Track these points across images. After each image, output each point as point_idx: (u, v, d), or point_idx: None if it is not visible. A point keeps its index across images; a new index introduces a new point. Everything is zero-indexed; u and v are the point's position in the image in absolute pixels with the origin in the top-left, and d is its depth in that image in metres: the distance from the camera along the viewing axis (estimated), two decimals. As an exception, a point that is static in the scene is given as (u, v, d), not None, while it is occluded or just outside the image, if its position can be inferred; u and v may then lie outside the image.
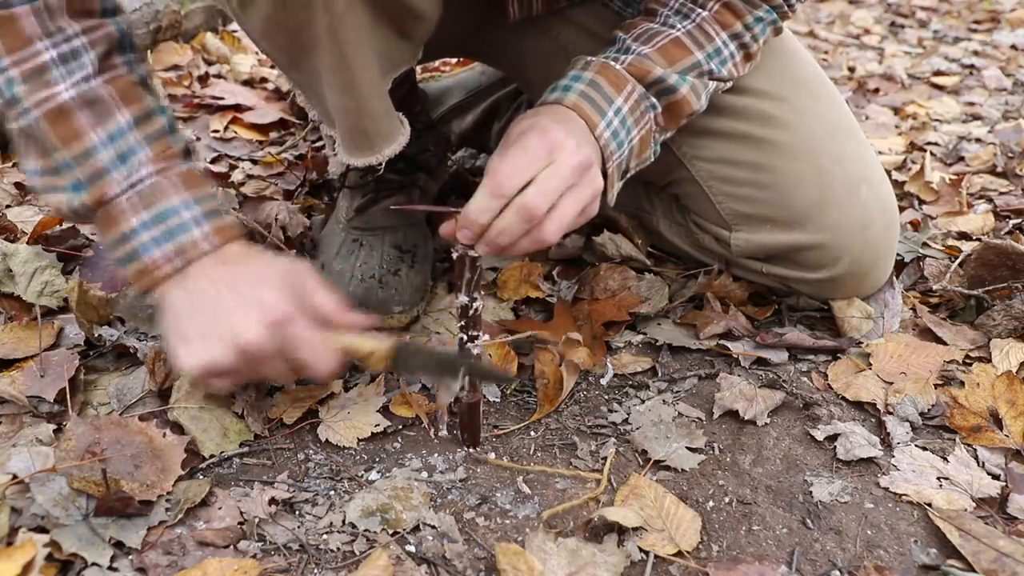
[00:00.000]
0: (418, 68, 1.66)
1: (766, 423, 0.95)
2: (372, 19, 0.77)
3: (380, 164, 0.87)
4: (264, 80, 2.03)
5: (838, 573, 0.77)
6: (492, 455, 0.90)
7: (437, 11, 0.83)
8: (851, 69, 2.59)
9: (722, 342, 1.07)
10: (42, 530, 0.74)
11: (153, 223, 0.78)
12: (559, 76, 0.93)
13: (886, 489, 0.86)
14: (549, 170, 0.79)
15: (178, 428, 0.88)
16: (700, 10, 0.96)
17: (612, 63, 0.91)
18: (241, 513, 0.79)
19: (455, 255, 0.80)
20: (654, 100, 0.92)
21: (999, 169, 1.70)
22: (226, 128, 1.73)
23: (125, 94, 0.79)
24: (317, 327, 0.79)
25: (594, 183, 0.83)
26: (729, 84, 1.00)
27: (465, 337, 0.84)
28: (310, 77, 0.82)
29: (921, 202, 1.56)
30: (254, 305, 0.76)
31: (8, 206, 1.33)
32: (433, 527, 0.79)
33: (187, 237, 0.78)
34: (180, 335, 0.78)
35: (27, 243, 1.15)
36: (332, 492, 0.83)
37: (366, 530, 0.78)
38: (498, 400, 0.98)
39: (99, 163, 0.77)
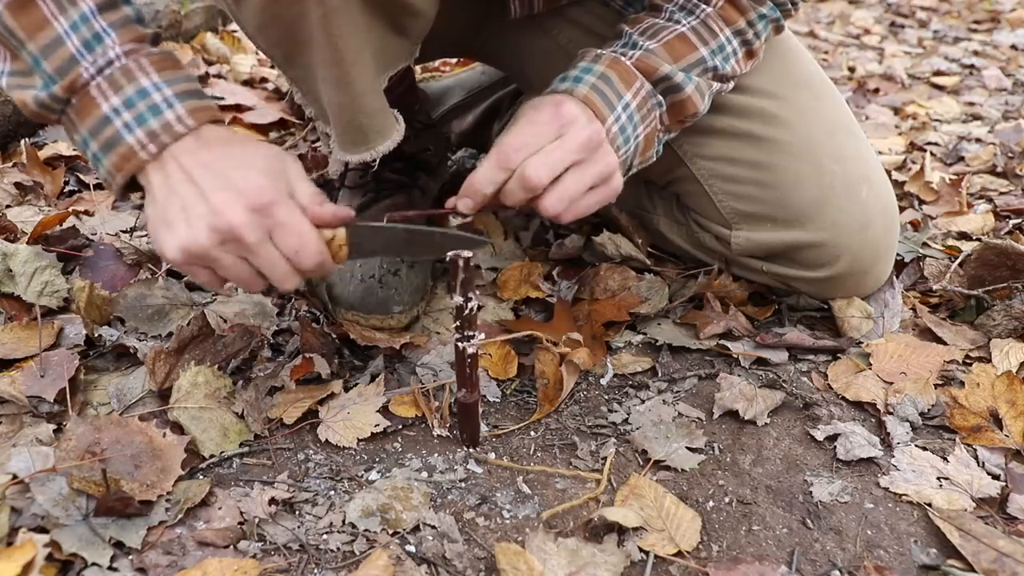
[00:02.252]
0: (418, 68, 1.66)
1: (766, 423, 0.95)
2: (366, 14, 0.77)
3: (375, 161, 0.87)
4: (264, 80, 2.03)
5: (838, 573, 0.77)
6: (492, 455, 0.90)
7: (433, 8, 0.83)
8: (851, 69, 2.59)
9: (722, 342, 1.08)
10: (42, 530, 0.74)
11: (125, 107, 0.75)
12: (560, 74, 0.93)
13: (886, 489, 0.86)
14: (556, 143, 0.81)
15: (178, 428, 0.88)
16: (704, 6, 0.96)
17: (621, 58, 0.91)
18: (241, 513, 0.79)
19: (447, 257, 0.80)
20: (660, 98, 0.93)
21: (999, 169, 1.70)
22: (226, 128, 1.73)
23: None
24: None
25: (605, 160, 0.84)
26: (732, 84, 1.01)
27: (461, 336, 0.84)
28: (305, 72, 0.82)
29: (921, 202, 1.56)
30: (238, 187, 0.74)
31: (8, 206, 1.33)
32: (433, 527, 0.79)
33: (159, 120, 0.75)
34: (163, 220, 0.76)
35: (27, 243, 1.15)
36: (332, 492, 0.83)
37: (366, 530, 0.78)
38: (498, 400, 0.98)
39: (67, 52, 0.74)
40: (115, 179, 0.78)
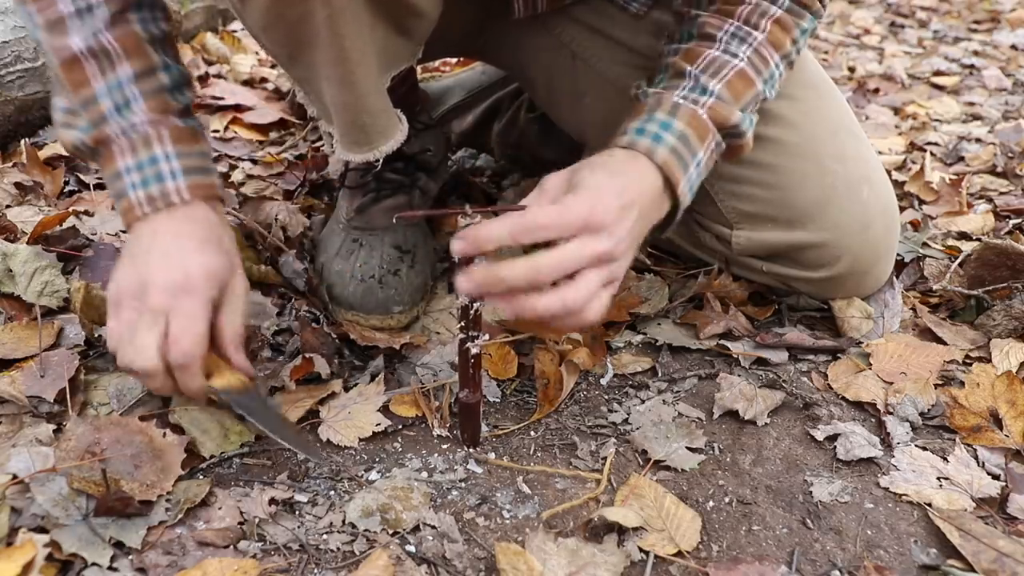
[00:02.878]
0: (418, 68, 1.66)
1: (766, 423, 0.95)
2: (371, 14, 0.77)
3: (378, 161, 0.87)
4: (264, 80, 2.03)
5: (838, 573, 0.77)
6: (492, 455, 0.90)
7: (437, 9, 0.83)
8: (851, 69, 2.59)
9: (722, 342, 1.08)
10: (42, 530, 0.74)
11: (136, 168, 0.84)
12: (562, 74, 0.93)
13: (886, 489, 0.86)
14: (572, 248, 0.76)
15: (179, 430, 0.87)
16: (755, 32, 0.94)
17: (699, 111, 0.89)
18: (241, 513, 0.79)
19: (455, 258, 0.80)
20: (722, 144, 0.93)
21: (999, 169, 1.70)
22: (226, 128, 1.73)
23: (129, 49, 0.84)
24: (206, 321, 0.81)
25: (623, 270, 0.82)
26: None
27: (465, 337, 0.84)
28: (309, 72, 0.82)
29: (921, 202, 1.56)
30: (175, 263, 0.81)
31: (8, 206, 1.33)
32: (433, 527, 0.79)
33: (159, 188, 0.84)
34: (115, 290, 0.83)
35: (27, 243, 1.15)
36: (332, 492, 0.83)
37: (366, 530, 0.78)
38: (498, 400, 0.98)
39: (101, 109, 0.84)
40: (122, 220, 0.87)
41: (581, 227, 0.77)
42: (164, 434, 0.84)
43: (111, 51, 0.83)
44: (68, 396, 0.90)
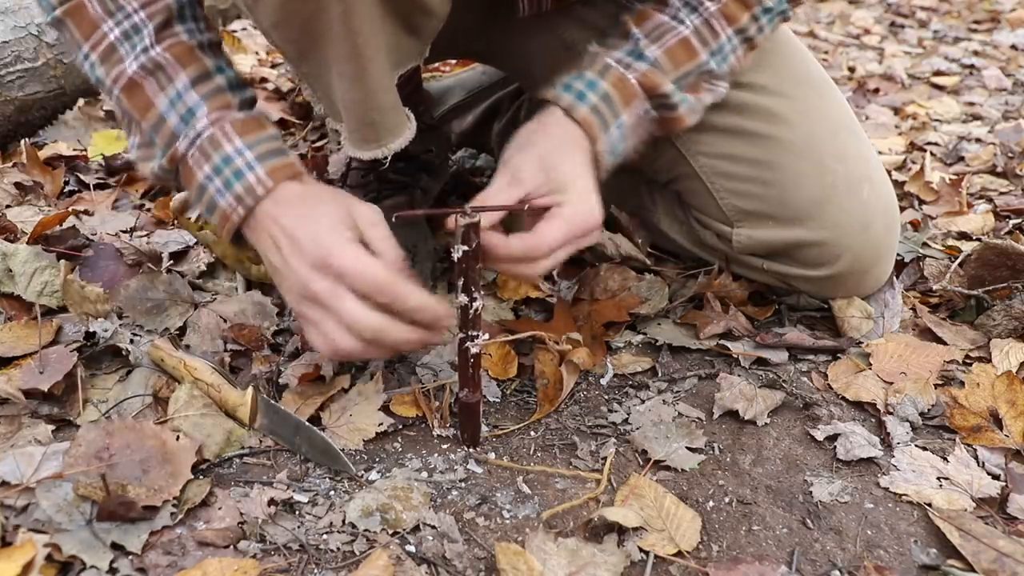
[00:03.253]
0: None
1: (766, 423, 0.95)
2: (383, 11, 0.78)
3: (385, 159, 0.87)
4: (264, 80, 2.03)
5: (838, 573, 0.76)
6: (492, 455, 0.90)
7: (446, 8, 0.83)
8: (851, 69, 2.59)
9: (722, 342, 1.07)
10: (43, 531, 0.74)
11: (215, 174, 0.83)
12: (563, 73, 0.93)
13: (886, 489, 0.86)
14: (569, 249, 0.87)
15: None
16: (708, 2, 0.96)
17: (627, 76, 0.93)
18: (241, 513, 0.79)
19: (454, 256, 0.80)
20: (653, 112, 0.95)
21: (999, 169, 1.70)
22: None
23: (181, 57, 0.85)
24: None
25: (594, 235, 0.90)
26: (728, 81, 1.01)
27: (465, 336, 0.84)
28: (319, 68, 0.82)
29: (921, 202, 1.56)
30: (303, 248, 0.79)
31: (8, 206, 1.33)
32: (433, 527, 0.79)
33: (243, 184, 0.83)
34: (275, 281, 0.86)
35: (27, 243, 1.15)
36: (332, 492, 0.83)
37: (366, 530, 0.78)
38: (498, 400, 0.98)
39: (169, 127, 0.84)
40: (222, 234, 0.87)
41: (583, 235, 0.87)
42: (178, 437, 0.83)
43: (164, 63, 0.84)
44: (67, 394, 0.90)
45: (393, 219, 0.86)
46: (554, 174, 0.87)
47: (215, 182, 0.84)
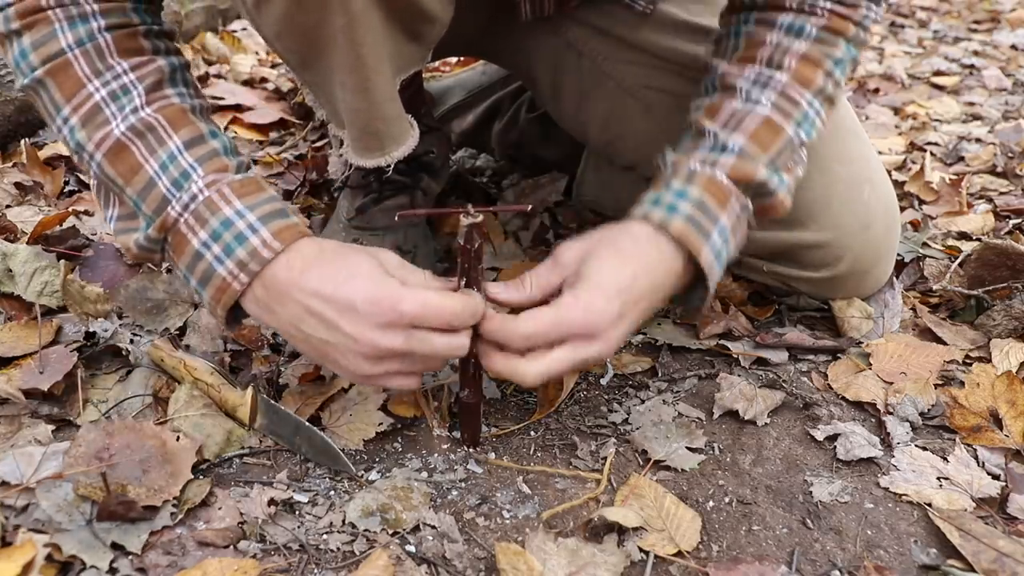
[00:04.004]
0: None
1: (766, 423, 0.95)
2: (386, 21, 0.77)
3: (389, 166, 0.87)
4: (264, 80, 2.03)
5: (838, 573, 0.76)
6: (492, 455, 0.90)
7: (449, 14, 0.83)
8: (851, 69, 2.58)
9: (722, 342, 1.07)
10: (43, 531, 0.74)
11: (213, 240, 0.76)
12: (567, 73, 0.92)
13: (886, 489, 0.86)
14: (562, 356, 0.77)
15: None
16: (778, 73, 0.89)
17: (716, 174, 0.84)
18: (241, 513, 0.79)
19: (461, 237, 0.78)
20: (749, 204, 0.87)
21: (999, 169, 1.70)
22: (226, 128, 1.73)
23: (174, 120, 0.79)
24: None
25: (607, 352, 0.80)
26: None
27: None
28: (322, 76, 0.82)
29: (921, 202, 1.56)
30: (357, 308, 0.73)
31: (8, 206, 1.33)
32: (433, 527, 0.79)
33: (245, 249, 0.76)
34: (316, 353, 0.79)
35: (27, 243, 1.15)
36: (332, 492, 0.83)
37: (366, 530, 0.78)
38: (498, 400, 0.98)
39: (159, 193, 0.77)
40: (216, 310, 0.79)
41: (574, 335, 0.76)
42: (178, 437, 0.83)
43: (156, 125, 0.78)
44: (68, 394, 0.90)
45: (395, 218, 0.86)
46: (585, 265, 0.79)
47: (213, 248, 0.76)
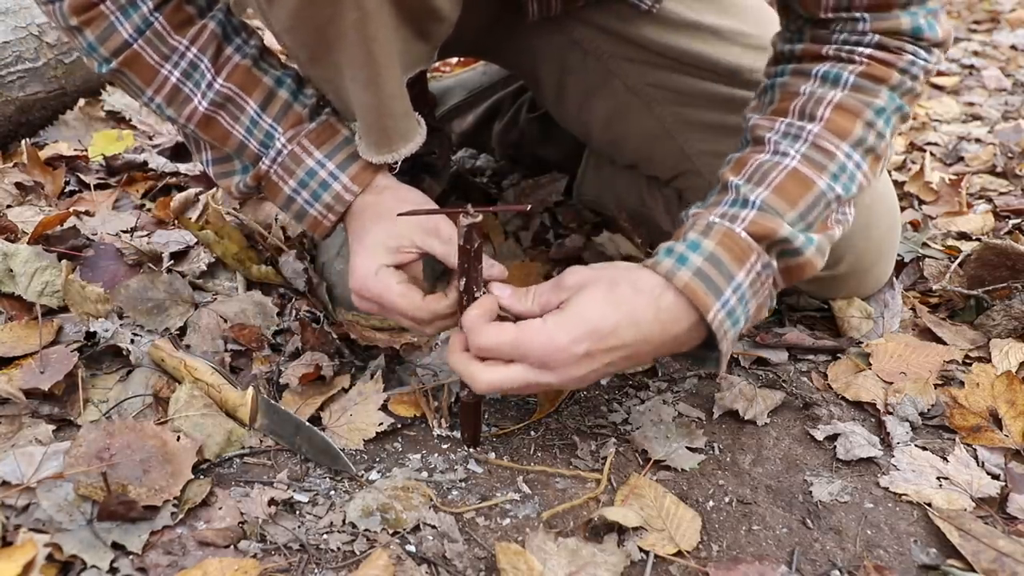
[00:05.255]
0: (419, 68, 1.65)
1: (766, 423, 0.95)
2: (396, 18, 0.78)
3: (396, 163, 0.88)
4: (264, 80, 2.03)
5: (838, 573, 0.77)
6: (492, 455, 0.90)
7: (456, 13, 0.84)
8: (851, 69, 2.58)
9: (722, 342, 1.07)
10: (44, 531, 0.74)
11: (300, 188, 0.90)
12: (572, 72, 0.92)
13: (886, 489, 0.86)
14: (514, 375, 0.77)
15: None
16: (809, 124, 0.84)
17: (734, 229, 0.79)
18: (241, 513, 0.79)
19: (461, 237, 0.79)
20: (774, 264, 0.82)
21: (999, 169, 1.70)
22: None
23: (244, 84, 0.88)
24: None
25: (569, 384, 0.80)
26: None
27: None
28: (331, 72, 0.83)
29: (921, 202, 1.56)
30: (353, 266, 0.87)
31: (9, 206, 1.33)
32: (433, 527, 0.79)
33: (330, 194, 0.89)
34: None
35: (28, 243, 1.15)
36: (332, 492, 0.83)
37: (366, 530, 0.78)
38: (498, 400, 0.98)
39: (252, 151, 0.90)
40: (318, 233, 0.93)
41: (530, 360, 0.76)
42: (178, 437, 0.83)
43: (232, 95, 0.88)
44: (68, 394, 0.90)
45: (396, 218, 0.86)
46: (573, 297, 0.77)
47: (302, 194, 0.90)
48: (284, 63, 0.93)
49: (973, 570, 0.75)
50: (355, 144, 0.90)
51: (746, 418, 0.95)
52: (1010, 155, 1.76)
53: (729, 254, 0.78)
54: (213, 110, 0.88)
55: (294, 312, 1.10)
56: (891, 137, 0.87)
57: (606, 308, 0.76)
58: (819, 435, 0.93)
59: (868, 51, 0.84)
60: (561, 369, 0.76)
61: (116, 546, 0.73)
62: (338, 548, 0.76)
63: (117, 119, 1.68)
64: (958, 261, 1.22)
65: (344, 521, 0.79)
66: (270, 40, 1.07)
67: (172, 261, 1.19)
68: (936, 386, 1.01)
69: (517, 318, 0.80)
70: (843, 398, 1.00)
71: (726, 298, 0.78)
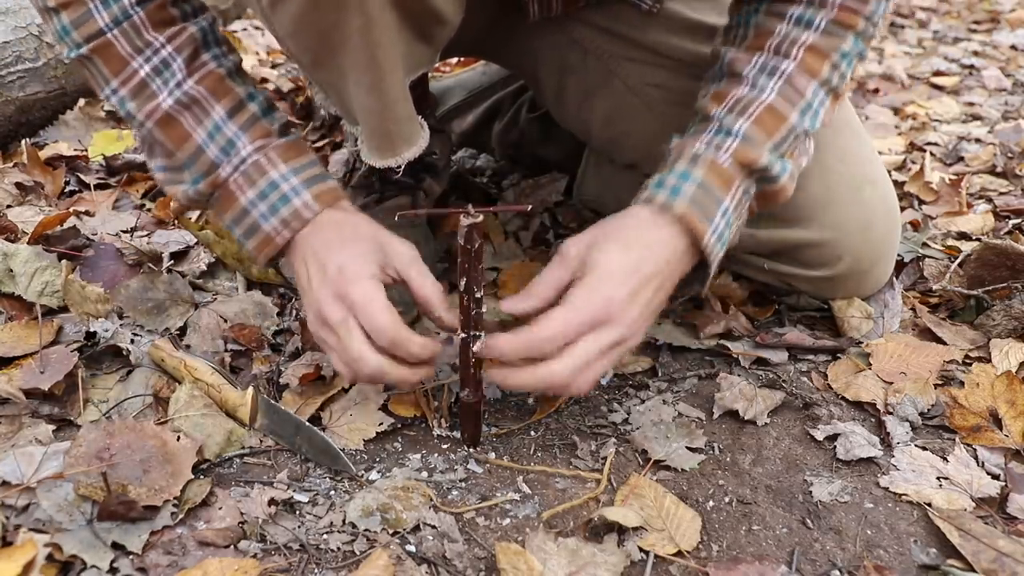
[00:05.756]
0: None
1: (766, 423, 0.95)
2: (400, 22, 0.78)
3: (399, 167, 0.88)
4: (264, 80, 2.03)
5: (838, 573, 0.77)
6: (492, 455, 0.90)
7: (459, 16, 0.84)
8: (851, 69, 2.58)
9: (722, 342, 1.08)
10: (44, 531, 0.74)
11: (259, 199, 0.86)
12: (572, 72, 0.92)
13: (886, 489, 0.86)
14: (587, 346, 0.78)
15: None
16: (785, 62, 0.90)
17: (719, 158, 0.86)
18: (241, 513, 0.79)
19: (461, 237, 0.79)
20: (752, 189, 0.89)
21: (999, 169, 1.70)
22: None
23: (215, 90, 0.86)
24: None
25: (635, 338, 0.83)
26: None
27: (466, 336, 0.83)
28: (335, 76, 0.83)
29: (921, 202, 1.56)
30: (329, 274, 0.82)
31: (9, 206, 1.33)
32: (433, 527, 0.79)
33: (288, 209, 0.86)
34: (302, 300, 0.88)
35: (28, 243, 1.15)
36: (332, 492, 0.83)
37: (366, 530, 0.78)
38: (498, 400, 0.98)
39: (208, 158, 0.86)
40: (258, 258, 0.89)
41: (592, 325, 0.78)
42: (178, 437, 0.83)
43: (199, 98, 0.86)
44: (68, 394, 0.90)
45: (396, 218, 0.86)
46: (591, 256, 0.82)
47: (259, 207, 0.86)
48: (255, 83, 0.92)
49: (973, 570, 0.75)
50: (322, 168, 0.88)
51: (746, 418, 0.95)
52: (1010, 155, 1.76)
53: (717, 181, 0.85)
54: (177, 109, 0.85)
55: (294, 312, 1.10)
56: (850, 78, 0.95)
57: (624, 250, 0.82)
58: (819, 435, 0.93)
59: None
60: (620, 316, 0.79)
61: (116, 546, 0.74)
62: (338, 548, 0.76)
63: (117, 119, 1.68)
64: (958, 261, 1.22)
65: (344, 521, 0.79)
66: (272, 42, 1.07)
67: (172, 261, 1.19)
68: (936, 386, 1.01)
69: (522, 321, 0.81)
70: (843, 398, 1.00)
71: (716, 223, 0.85)
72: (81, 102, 1.66)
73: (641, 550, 0.77)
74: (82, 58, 0.86)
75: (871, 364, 1.04)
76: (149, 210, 1.37)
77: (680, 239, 0.84)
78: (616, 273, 0.80)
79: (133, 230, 1.29)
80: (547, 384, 0.79)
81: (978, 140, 1.92)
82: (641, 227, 0.84)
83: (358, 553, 0.76)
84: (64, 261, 1.08)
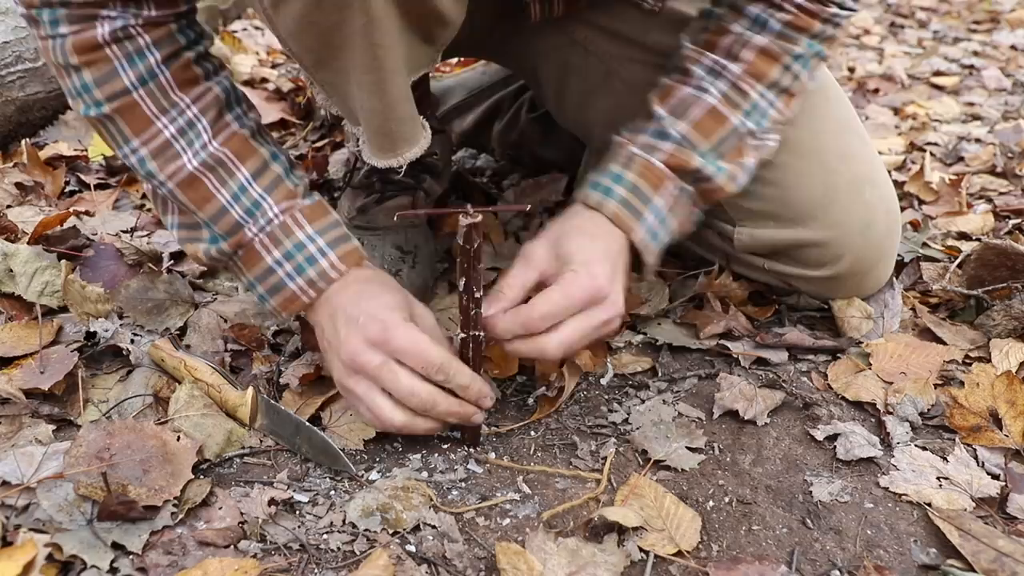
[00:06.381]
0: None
1: (766, 423, 0.95)
2: (402, 23, 0.78)
3: (400, 167, 0.88)
4: (264, 80, 2.03)
5: (838, 573, 0.77)
6: (492, 455, 0.90)
7: (462, 17, 0.84)
8: (851, 69, 2.59)
9: (722, 342, 1.08)
10: (44, 531, 0.74)
11: (285, 259, 0.87)
12: (573, 72, 0.92)
13: (886, 489, 0.86)
14: (579, 324, 0.83)
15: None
16: (732, 65, 0.94)
17: (651, 160, 0.92)
18: (241, 513, 0.79)
19: (460, 237, 0.79)
20: (690, 188, 0.94)
21: (999, 169, 1.70)
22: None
23: (240, 152, 0.88)
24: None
25: (615, 311, 0.87)
26: (777, 133, 0.99)
27: (466, 336, 0.83)
28: (337, 76, 0.82)
29: (921, 202, 1.56)
30: (359, 323, 0.82)
31: (9, 206, 1.33)
32: (433, 527, 0.79)
33: (315, 269, 0.87)
34: (324, 355, 0.89)
35: (28, 243, 1.15)
36: (332, 492, 0.83)
37: (366, 530, 0.78)
38: (498, 400, 0.98)
39: (232, 219, 0.87)
40: (281, 315, 0.90)
41: (586, 302, 0.84)
42: (178, 437, 0.84)
43: (225, 160, 0.87)
44: (68, 394, 0.90)
45: (396, 218, 0.86)
46: (561, 251, 0.87)
47: (285, 266, 0.87)
48: (274, 140, 0.94)
49: (973, 570, 0.75)
50: (344, 228, 0.90)
51: (746, 418, 0.95)
52: (1010, 155, 1.76)
53: (648, 183, 0.91)
54: (201, 171, 0.86)
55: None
56: (807, 76, 0.97)
57: (591, 239, 0.88)
58: (819, 435, 0.93)
59: (798, 1, 0.93)
60: (609, 294, 0.85)
61: (116, 546, 0.74)
62: (338, 548, 0.76)
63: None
64: (958, 261, 1.22)
65: (344, 521, 0.79)
66: (272, 41, 1.07)
67: (172, 261, 1.19)
68: (936, 386, 1.01)
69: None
70: (843, 398, 1.00)
71: (646, 221, 0.91)
72: (81, 102, 1.66)
73: (641, 550, 0.77)
74: (102, 117, 0.85)
75: (871, 364, 1.04)
76: (149, 210, 1.37)
77: (619, 232, 0.91)
78: (595, 259, 0.85)
79: (133, 230, 1.29)
80: (536, 356, 0.85)
81: (978, 140, 1.92)
82: (591, 221, 0.91)
83: (358, 553, 0.76)
84: (64, 261, 1.08)
